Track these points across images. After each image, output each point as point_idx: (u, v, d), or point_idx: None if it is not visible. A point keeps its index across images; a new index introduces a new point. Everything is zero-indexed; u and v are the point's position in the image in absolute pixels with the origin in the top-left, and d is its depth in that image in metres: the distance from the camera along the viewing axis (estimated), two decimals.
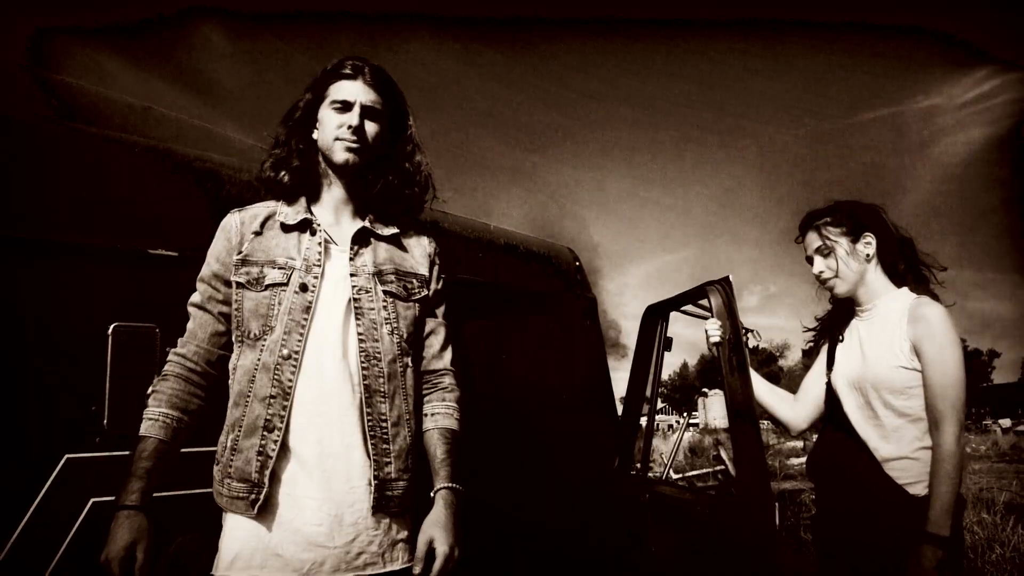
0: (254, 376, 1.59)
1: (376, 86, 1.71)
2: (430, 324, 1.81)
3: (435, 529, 1.59)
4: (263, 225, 1.70)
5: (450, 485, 1.67)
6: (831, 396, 2.31)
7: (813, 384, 2.43)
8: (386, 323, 1.67)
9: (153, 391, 1.60)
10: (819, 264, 2.27)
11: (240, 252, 1.66)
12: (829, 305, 2.41)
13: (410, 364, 1.71)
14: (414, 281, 1.77)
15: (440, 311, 1.85)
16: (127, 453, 1.57)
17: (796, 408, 2.47)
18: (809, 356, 2.48)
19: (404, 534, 1.65)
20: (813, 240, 2.28)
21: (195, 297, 1.69)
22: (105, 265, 1.86)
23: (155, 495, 1.55)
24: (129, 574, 1.44)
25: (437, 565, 1.54)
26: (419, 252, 1.83)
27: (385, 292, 1.69)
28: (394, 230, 1.79)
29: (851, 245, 2.22)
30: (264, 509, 1.54)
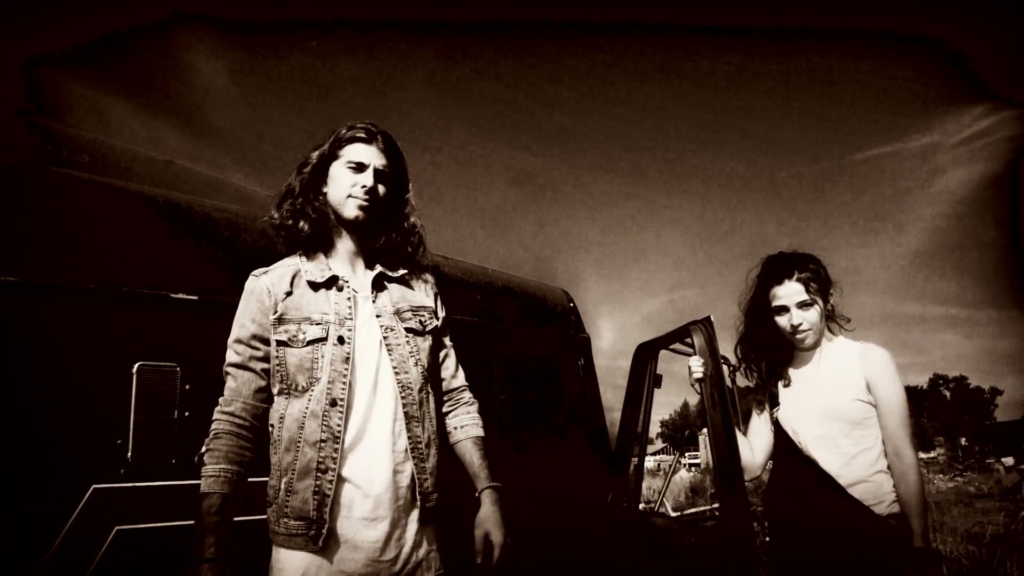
0: (303, 423, 1.72)
1: (387, 152, 1.90)
2: (444, 350, 2.01)
3: (487, 524, 1.80)
4: (292, 284, 1.82)
5: (493, 484, 1.87)
6: (779, 433, 2.48)
7: (761, 427, 2.58)
8: (411, 356, 1.85)
9: (208, 450, 1.69)
10: (799, 316, 2.39)
11: (276, 312, 1.78)
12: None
13: (431, 391, 1.89)
14: (425, 314, 1.95)
15: (447, 336, 2.04)
16: (149, 484, 1.70)
17: (754, 455, 2.60)
18: (755, 393, 2.61)
19: (435, 544, 1.83)
20: (797, 292, 2.39)
21: (233, 358, 1.78)
22: (131, 308, 2.01)
23: (172, 524, 1.68)
24: None
25: (496, 554, 1.76)
26: (423, 288, 2.02)
27: (406, 329, 1.88)
28: (401, 272, 1.98)
29: (823, 302, 2.42)
30: (326, 540, 1.68)
